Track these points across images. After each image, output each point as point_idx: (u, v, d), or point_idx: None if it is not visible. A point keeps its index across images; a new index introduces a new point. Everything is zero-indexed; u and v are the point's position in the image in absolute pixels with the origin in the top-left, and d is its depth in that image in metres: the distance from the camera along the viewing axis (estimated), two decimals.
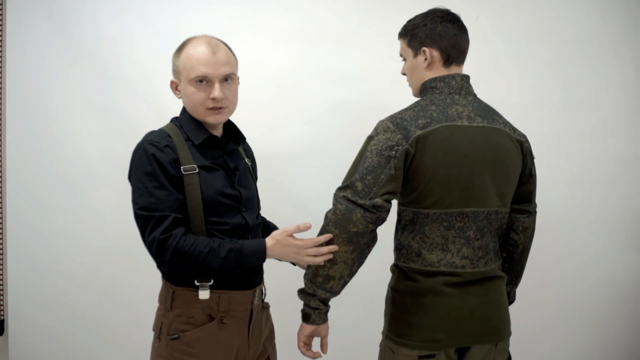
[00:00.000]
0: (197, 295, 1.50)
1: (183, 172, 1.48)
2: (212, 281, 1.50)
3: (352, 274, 1.53)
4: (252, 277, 1.59)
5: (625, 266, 2.49)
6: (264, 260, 1.54)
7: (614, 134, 2.48)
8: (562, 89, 2.46)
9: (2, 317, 2.49)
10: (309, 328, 1.57)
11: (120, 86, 2.38)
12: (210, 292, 1.51)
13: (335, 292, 1.53)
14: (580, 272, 2.48)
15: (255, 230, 1.62)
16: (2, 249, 2.46)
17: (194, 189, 1.48)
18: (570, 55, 2.46)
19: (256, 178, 1.78)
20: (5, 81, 2.40)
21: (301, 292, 1.56)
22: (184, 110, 1.61)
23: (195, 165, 1.50)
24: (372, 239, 1.51)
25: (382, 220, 1.49)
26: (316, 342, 1.62)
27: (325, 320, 1.58)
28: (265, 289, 1.69)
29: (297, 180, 2.42)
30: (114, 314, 2.41)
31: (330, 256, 1.48)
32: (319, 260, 1.48)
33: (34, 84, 2.38)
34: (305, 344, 1.60)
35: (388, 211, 1.49)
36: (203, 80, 1.51)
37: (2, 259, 2.47)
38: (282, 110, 2.42)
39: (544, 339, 2.49)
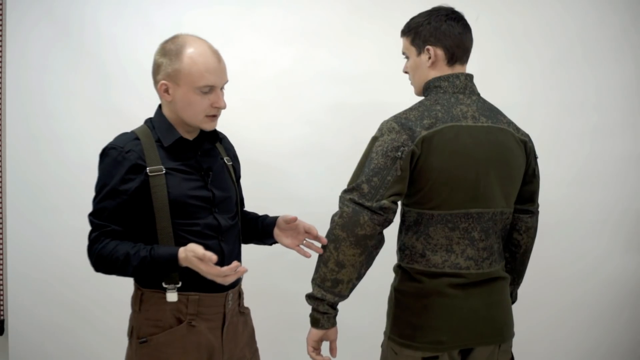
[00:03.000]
0: (165, 298, 1.48)
1: (149, 174, 1.47)
2: (180, 283, 1.48)
3: (360, 276, 1.52)
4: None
5: (626, 266, 2.49)
6: (177, 269, 1.44)
7: (615, 134, 2.48)
8: (562, 89, 2.46)
9: (2, 317, 2.49)
10: (318, 333, 1.55)
11: (120, 86, 2.38)
12: (179, 294, 1.48)
13: (344, 296, 1.52)
14: (581, 272, 2.48)
15: (230, 231, 1.59)
16: (2, 248, 2.46)
17: (160, 190, 1.47)
18: (570, 55, 2.46)
19: (238, 177, 1.75)
20: (5, 81, 2.40)
21: (309, 297, 1.54)
22: (158, 111, 1.59)
23: (163, 167, 1.49)
24: (380, 241, 1.50)
25: (390, 221, 1.49)
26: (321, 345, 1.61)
27: (334, 324, 1.56)
28: (242, 293, 1.67)
29: (297, 180, 2.42)
30: (114, 314, 2.40)
31: (232, 279, 1.41)
32: (222, 281, 1.42)
33: (34, 84, 2.38)
34: (314, 349, 1.57)
35: (395, 212, 1.49)
36: (208, 89, 1.50)
37: (2, 259, 2.46)
38: (283, 111, 2.42)
39: (545, 339, 2.49)
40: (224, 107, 1.52)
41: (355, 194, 1.46)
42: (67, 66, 2.37)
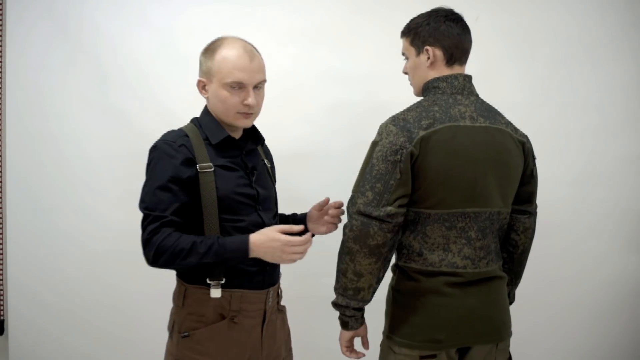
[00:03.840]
0: (209, 294, 1.50)
1: (199, 170, 1.51)
2: (224, 280, 1.51)
3: (379, 280, 1.55)
4: (266, 277, 1.59)
5: (626, 267, 2.49)
6: (247, 256, 1.48)
7: (615, 134, 2.48)
8: (562, 89, 2.46)
9: (2, 317, 2.49)
10: (349, 333, 1.61)
11: (120, 86, 2.38)
12: (222, 291, 1.51)
13: (367, 301, 1.56)
14: (581, 272, 2.47)
15: None
16: (2, 249, 2.46)
17: (209, 187, 1.50)
18: (570, 55, 2.46)
19: (275, 180, 1.80)
20: (5, 81, 2.40)
21: (335, 305, 1.58)
22: (205, 110, 1.64)
23: (212, 164, 1.53)
24: (393, 245, 1.52)
25: (399, 225, 1.50)
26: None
27: (362, 322, 1.61)
28: (281, 291, 1.70)
29: (298, 180, 2.41)
30: (114, 315, 2.41)
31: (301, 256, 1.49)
32: (299, 257, 1.49)
33: (33, 84, 2.37)
34: (347, 348, 1.63)
35: (403, 215, 1.50)
36: (238, 86, 1.54)
37: (2, 259, 2.46)
38: (283, 111, 2.41)
39: (544, 340, 2.49)
40: (253, 105, 1.55)
41: (361, 203, 1.48)
42: (66, 66, 2.37)
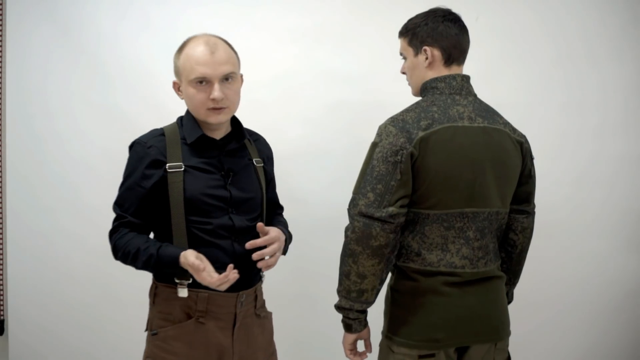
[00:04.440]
0: (177, 293, 1.50)
1: (167, 170, 1.51)
2: (191, 280, 1.48)
3: (382, 281, 1.55)
4: (236, 281, 1.50)
5: (625, 267, 2.49)
6: (180, 270, 1.45)
7: (615, 134, 2.48)
8: (562, 89, 2.46)
9: (2, 317, 2.49)
10: (352, 336, 1.61)
11: (121, 86, 2.38)
12: (189, 291, 1.50)
13: (371, 302, 1.55)
14: (580, 272, 2.47)
15: (247, 233, 1.57)
16: (2, 248, 2.46)
17: (176, 187, 1.50)
18: (570, 55, 2.46)
19: (270, 179, 1.76)
20: (5, 81, 2.40)
21: (338, 308, 1.58)
22: (187, 109, 1.62)
23: (182, 164, 1.52)
24: (395, 246, 1.52)
25: (401, 224, 1.50)
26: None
27: (365, 325, 1.61)
28: (260, 295, 1.67)
29: (298, 180, 2.42)
30: (114, 314, 2.41)
31: (225, 286, 1.43)
32: (214, 283, 1.41)
33: (34, 84, 2.38)
34: (351, 351, 1.64)
35: (404, 215, 1.50)
36: (203, 81, 1.51)
37: (2, 259, 2.46)
38: (283, 110, 2.42)
39: (544, 339, 2.49)
40: (220, 98, 1.50)
41: (362, 204, 1.48)
42: (67, 66, 2.37)
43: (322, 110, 2.42)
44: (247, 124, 2.53)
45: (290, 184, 2.42)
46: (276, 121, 2.41)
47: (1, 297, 2.50)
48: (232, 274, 1.41)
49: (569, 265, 2.47)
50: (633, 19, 2.47)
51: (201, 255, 1.43)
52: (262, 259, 1.54)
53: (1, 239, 2.47)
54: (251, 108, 2.38)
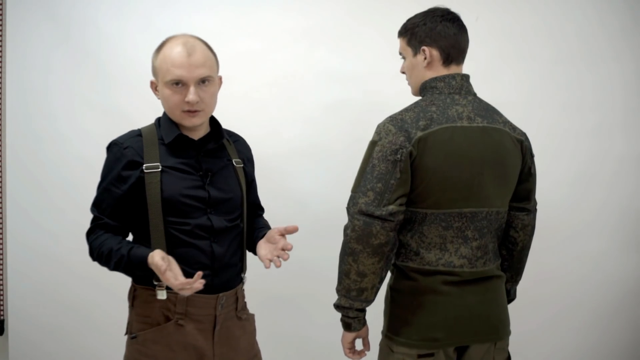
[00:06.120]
0: (155, 295, 1.49)
1: (144, 171, 1.49)
2: None
3: (382, 280, 1.55)
4: (215, 282, 1.53)
5: (625, 266, 2.49)
6: (150, 272, 1.43)
7: (614, 133, 2.48)
8: (562, 89, 2.46)
9: (2, 317, 2.49)
10: (352, 335, 1.61)
11: (121, 86, 2.38)
12: (168, 293, 1.48)
13: (371, 301, 1.56)
14: (580, 271, 2.47)
15: (226, 233, 1.56)
16: (2, 248, 2.46)
17: (153, 188, 1.49)
18: (570, 55, 2.46)
19: (251, 180, 1.73)
20: (5, 81, 2.40)
21: (338, 307, 1.58)
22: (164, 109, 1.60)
23: (159, 165, 1.50)
24: (394, 244, 1.52)
25: (400, 222, 1.51)
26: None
27: (364, 324, 1.61)
28: (241, 298, 1.65)
29: (297, 179, 2.42)
30: (114, 314, 2.40)
31: (188, 292, 1.37)
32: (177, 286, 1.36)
33: (34, 84, 2.38)
34: (350, 350, 1.64)
35: (403, 213, 1.50)
36: (179, 83, 1.48)
37: (2, 259, 2.46)
38: (283, 110, 2.42)
39: (544, 339, 2.49)
40: (194, 102, 1.47)
41: (362, 203, 1.48)
42: (68, 66, 2.37)
43: (322, 110, 2.42)
44: (247, 124, 2.54)
45: (290, 184, 2.42)
46: (276, 121, 2.41)
47: (1, 297, 2.50)
48: (197, 283, 1.34)
49: (569, 265, 2.47)
50: (632, 19, 2.48)
51: (169, 257, 1.39)
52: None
53: (1, 238, 2.47)
54: (252, 108, 2.40)
